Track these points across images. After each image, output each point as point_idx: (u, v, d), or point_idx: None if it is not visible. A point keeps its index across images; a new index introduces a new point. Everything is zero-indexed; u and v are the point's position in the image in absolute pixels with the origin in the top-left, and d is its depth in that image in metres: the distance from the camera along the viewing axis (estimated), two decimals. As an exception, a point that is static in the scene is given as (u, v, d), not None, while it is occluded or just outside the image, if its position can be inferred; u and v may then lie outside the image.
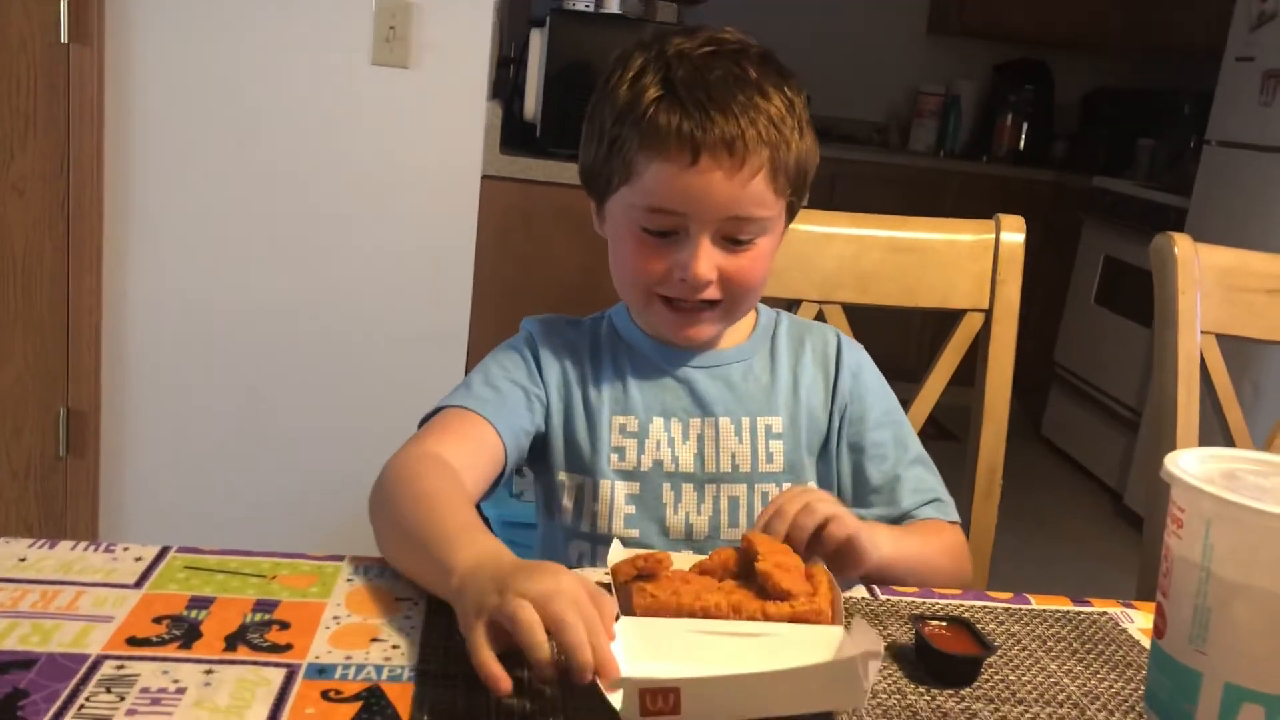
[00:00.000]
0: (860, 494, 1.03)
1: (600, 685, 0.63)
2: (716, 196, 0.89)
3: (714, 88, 0.88)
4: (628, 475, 0.98)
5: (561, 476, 1.00)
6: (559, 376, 1.01)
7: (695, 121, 0.87)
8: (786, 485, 0.99)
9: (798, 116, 0.92)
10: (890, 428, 1.04)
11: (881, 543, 0.87)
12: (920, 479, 1.02)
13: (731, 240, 0.92)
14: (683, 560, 0.83)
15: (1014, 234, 1.25)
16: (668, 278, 0.92)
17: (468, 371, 2.27)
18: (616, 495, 0.98)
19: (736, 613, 0.75)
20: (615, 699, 0.63)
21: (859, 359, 1.06)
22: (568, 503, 1.00)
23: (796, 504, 0.83)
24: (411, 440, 0.92)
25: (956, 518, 1.02)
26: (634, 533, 0.98)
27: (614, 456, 0.98)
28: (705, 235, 0.90)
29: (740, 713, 0.64)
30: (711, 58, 0.90)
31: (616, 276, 0.98)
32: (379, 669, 0.69)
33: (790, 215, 0.98)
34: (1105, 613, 0.89)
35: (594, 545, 0.98)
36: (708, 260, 0.91)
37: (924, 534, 0.99)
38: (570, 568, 0.70)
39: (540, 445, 1.01)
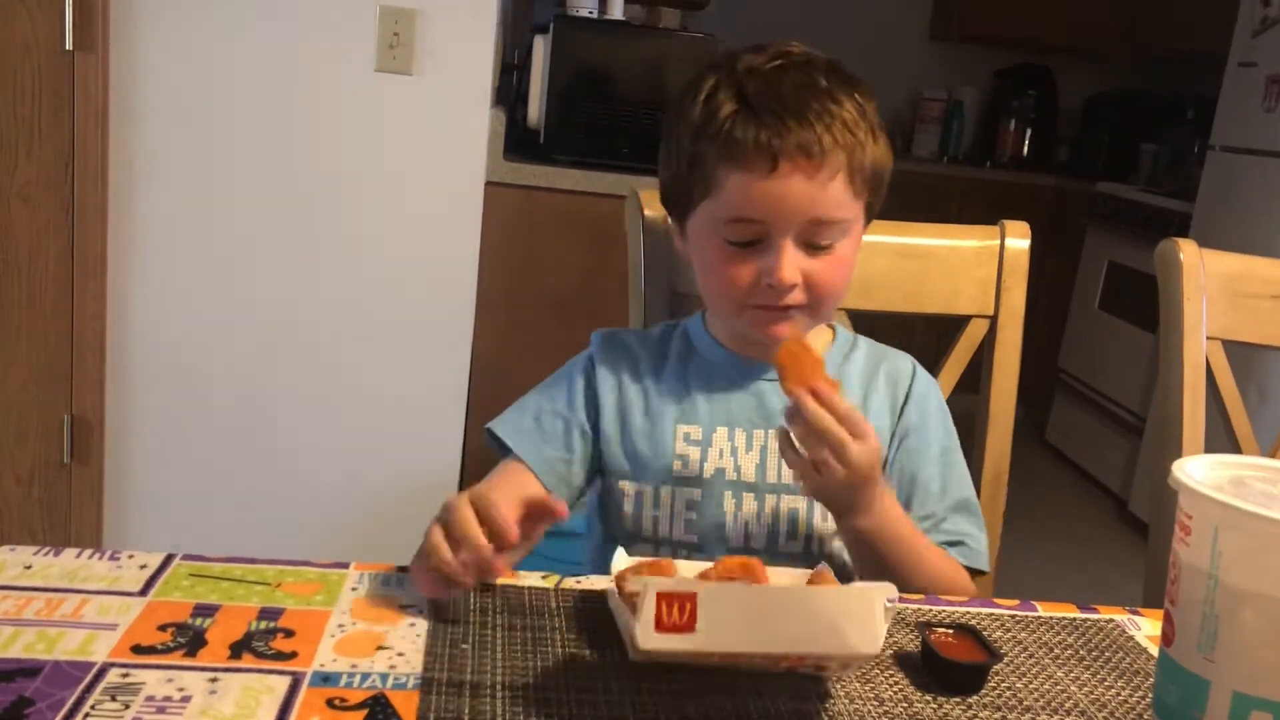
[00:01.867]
0: None
1: (612, 603, 0.64)
2: (797, 201, 0.91)
3: (787, 97, 0.91)
4: (689, 482, 1.00)
5: (623, 485, 1.01)
6: (616, 390, 1.03)
7: (772, 130, 0.90)
8: None
9: (870, 121, 0.94)
10: (944, 467, 1.03)
11: (871, 512, 0.90)
12: (955, 523, 1.01)
13: (812, 245, 0.93)
14: (688, 568, 0.83)
15: (1019, 240, 1.24)
16: (755, 286, 0.94)
17: (471, 378, 2.30)
18: (677, 501, 1.00)
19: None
20: (635, 627, 0.63)
21: (929, 392, 1.06)
22: (628, 508, 1.01)
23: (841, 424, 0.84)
24: None
25: (980, 565, 1.00)
26: (693, 538, 1.00)
27: (677, 463, 1.00)
28: (787, 240, 0.92)
29: (753, 639, 0.64)
30: (781, 70, 0.93)
31: (706, 291, 1.01)
32: (384, 677, 0.69)
33: (868, 217, 1.00)
34: (1112, 620, 0.89)
35: (656, 548, 1.00)
36: (791, 263, 0.92)
37: (933, 549, 0.97)
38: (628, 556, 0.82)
39: (597, 456, 1.03)
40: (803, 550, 1.00)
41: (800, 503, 0.99)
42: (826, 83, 0.93)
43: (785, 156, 0.90)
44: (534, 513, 0.81)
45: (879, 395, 1.04)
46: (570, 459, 1.01)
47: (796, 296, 0.94)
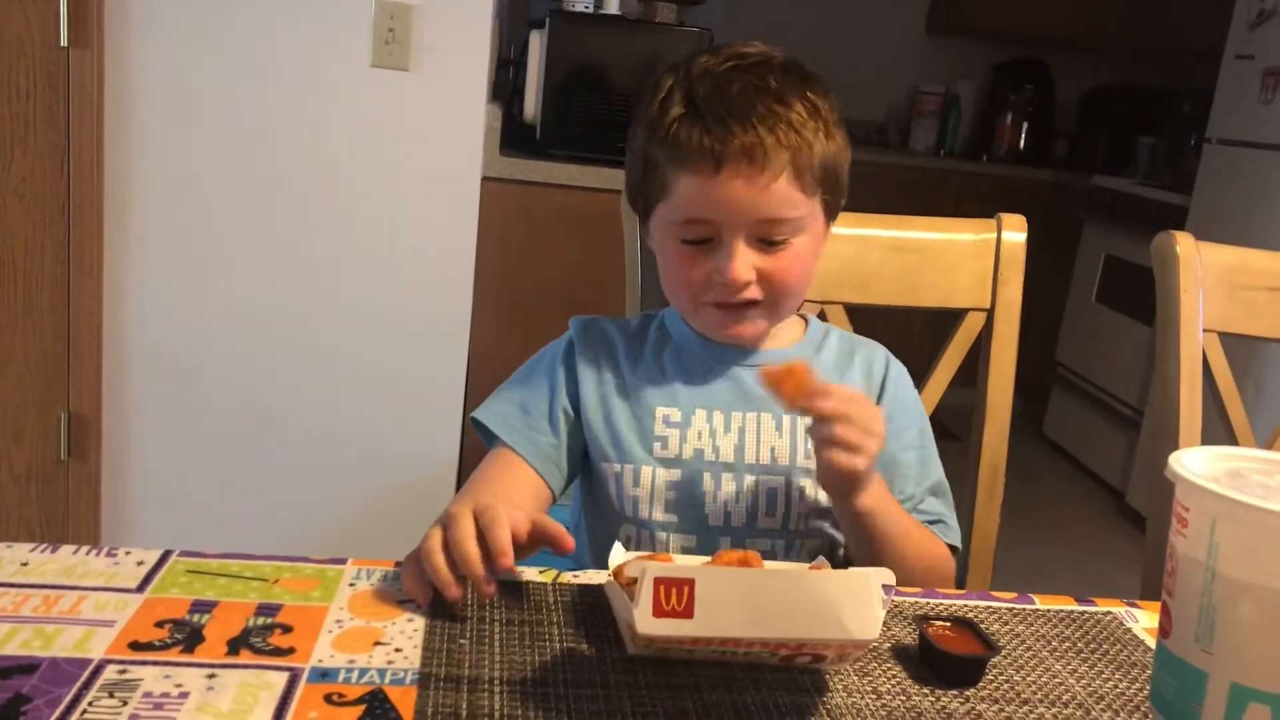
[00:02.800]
0: None
1: (611, 595, 0.64)
2: (741, 202, 0.93)
3: (733, 101, 0.93)
4: (669, 463, 1.01)
5: (604, 466, 1.03)
6: (596, 374, 1.04)
7: (715, 135, 0.92)
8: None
9: (822, 119, 0.96)
10: (919, 450, 1.06)
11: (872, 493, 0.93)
12: (931, 504, 1.05)
13: (766, 241, 0.95)
14: (686, 563, 0.83)
15: (1015, 233, 1.24)
16: (709, 283, 0.97)
17: (469, 373, 2.29)
18: (657, 481, 1.01)
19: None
20: (634, 613, 0.63)
21: (902, 379, 1.09)
22: (611, 489, 1.02)
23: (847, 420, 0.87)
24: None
25: (956, 543, 1.04)
26: (673, 518, 1.01)
27: (656, 445, 1.02)
28: (738, 239, 0.94)
29: (751, 624, 0.64)
30: (733, 72, 0.95)
31: (665, 287, 1.03)
32: (382, 673, 0.69)
33: (830, 213, 1.01)
34: (1110, 612, 0.89)
35: (638, 529, 1.02)
36: (743, 261, 0.94)
37: (919, 526, 1.01)
38: (626, 551, 0.83)
39: (581, 440, 1.05)
40: (781, 526, 1.01)
41: (777, 481, 1.01)
42: (776, 83, 0.94)
43: (728, 160, 0.92)
44: (539, 535, 0.81)
45: (854, 383, 1.06)
46: (559, 444, 1.02)
47: (753, 292, 0.96)
